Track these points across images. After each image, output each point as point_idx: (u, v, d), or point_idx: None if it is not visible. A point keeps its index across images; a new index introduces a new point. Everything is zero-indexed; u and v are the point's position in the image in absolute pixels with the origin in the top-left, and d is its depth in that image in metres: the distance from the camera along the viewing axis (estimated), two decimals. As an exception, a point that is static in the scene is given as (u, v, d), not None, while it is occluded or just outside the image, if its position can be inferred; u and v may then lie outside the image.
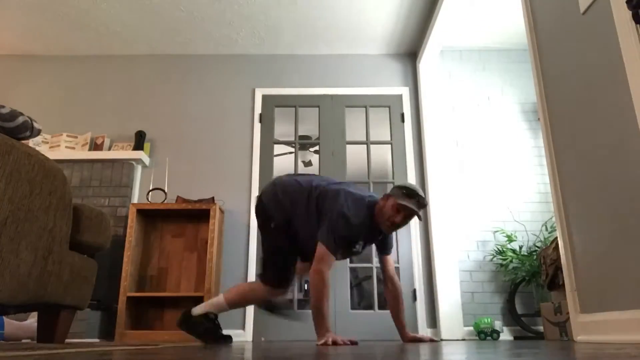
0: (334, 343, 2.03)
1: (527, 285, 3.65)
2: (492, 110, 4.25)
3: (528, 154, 4.11)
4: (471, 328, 3.63)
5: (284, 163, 4.87)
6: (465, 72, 4.37)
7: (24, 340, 2.72)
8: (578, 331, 1.92)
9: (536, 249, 3.68)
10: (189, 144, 4.18)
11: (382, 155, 4.48)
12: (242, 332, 3.63)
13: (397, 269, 3.88)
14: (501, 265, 3.72)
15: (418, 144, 4.17)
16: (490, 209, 3.97)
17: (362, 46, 4.38)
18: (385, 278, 2.57)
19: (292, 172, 4.23)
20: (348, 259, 3.87)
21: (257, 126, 4.23)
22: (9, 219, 1.53)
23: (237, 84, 4.37)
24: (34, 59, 4.47)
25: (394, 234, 2.56)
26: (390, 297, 2.54)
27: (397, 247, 3.94)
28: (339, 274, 3.78)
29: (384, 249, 2.56)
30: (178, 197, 3.77)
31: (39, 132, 1.82)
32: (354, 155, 4.27)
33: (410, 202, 2.26)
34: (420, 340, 2.47)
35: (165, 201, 3.86)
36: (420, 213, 2.30)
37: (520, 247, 3.70)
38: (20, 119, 1.72)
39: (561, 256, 2.09)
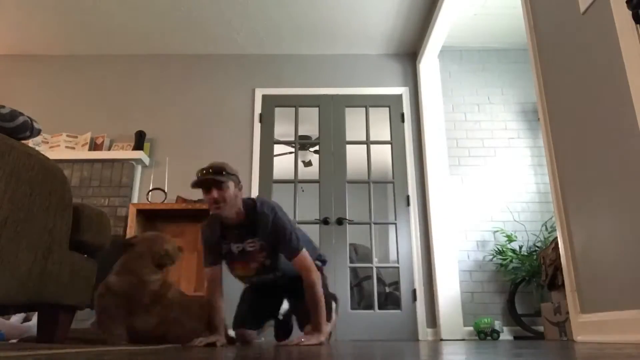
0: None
1: (527, 285, 3.65)
2: (492, 110, 4.25)
3: (528, 154, 4.11)
4: (471, 328, 3.63)
5: (284, 163, 4.87)
6: (465, 72, 4.37)
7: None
8: (578, 331, 1.92)
9: (536, 249, 3.68)
10: (189, 144, 4.18)
11: (382, 155, 4.48)
12: (242, 332, 3.62)
13: (397, 269, 3.88)
14: (501, 265, 3.72)
15: (418, 144, 4.17)
16: (490, 209, 3.97)
17: (362, 46, 4.38)
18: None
19: (292, 172, 4.24)
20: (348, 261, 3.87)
21: (257, 126, 4.23)
22: (9, 219, 1.53)
23: (237, 84, 4.37)
24: (34, 59, 4.47)
25: (290, 233, 2.23)
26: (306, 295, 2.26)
27: (397, 247, 3.94)
28: (339, 273, 3.78)
29: (285, 254, 2.26)
30: (178, 197, 3.76)
31: (39, 132, 1.82)
32: (354, 155, 4.27)
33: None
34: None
35: (165, 201, 3.86)
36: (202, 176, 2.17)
37: (520, 247, 3.70)
38: (20, 119, 1.72)
39: (561, 256, 2.09)
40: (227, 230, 2.29)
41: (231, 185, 2.18)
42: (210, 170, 2.17)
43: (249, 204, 2.28)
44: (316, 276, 2.20)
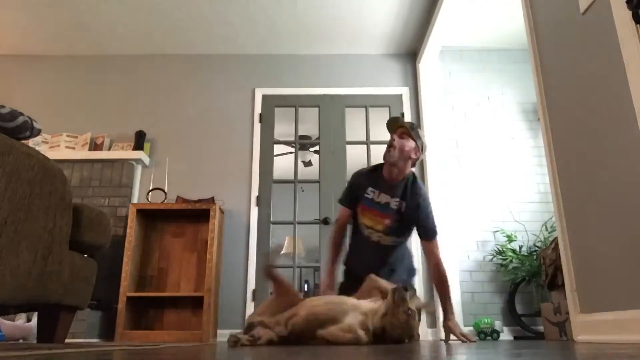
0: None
1: (527, 285, 3.65)
2: (492, 110, 4.25)
3: (528, 154, 4.11)
4: (471, 328, 3.63)
5: (284, 163, 4.87)
6: (465, 72, 4.37)
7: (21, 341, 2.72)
8: (578, 331, 1.92)
9: (536, 249, 3.67)
10: (189, 144, 4.18)
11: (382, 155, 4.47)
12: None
13: (397, 269, 3.87)
14: (501, 265, 3.72)
15: (418, 144, 4.16)
16: (490, 209, 3.97)
17: (362, 46, 4.38)
18: (429, 267, 2.50)
19: (292, 172, 4.23)
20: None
21: (257, 126, 4.23)
22: (9, 219, 1.53)
23: (237, 84, 4.37)
24: (34, 59, 4.47)
25: (433, 216, 2.47)
26: (435, 285, 2.49)
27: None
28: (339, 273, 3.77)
29: (421, 233, 2.46)
30: (178, 197, 3.77)
31: (39, 132, 1.82)
32: (354, 155, 4.26)
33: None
34: (453, 335, 2.31)
35: (165, 201, 3.86)
36: (398, 119, 2.58)
37: (520, 247, 3.69)
38: (20, 119, 1.72)
39: (561, 256, 2.09)
40: (383, 181, 2.49)
41: (412, 142, 2.43)
42: (406, 122, 2.51)
43: (411, 175, 2.51)
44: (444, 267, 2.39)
